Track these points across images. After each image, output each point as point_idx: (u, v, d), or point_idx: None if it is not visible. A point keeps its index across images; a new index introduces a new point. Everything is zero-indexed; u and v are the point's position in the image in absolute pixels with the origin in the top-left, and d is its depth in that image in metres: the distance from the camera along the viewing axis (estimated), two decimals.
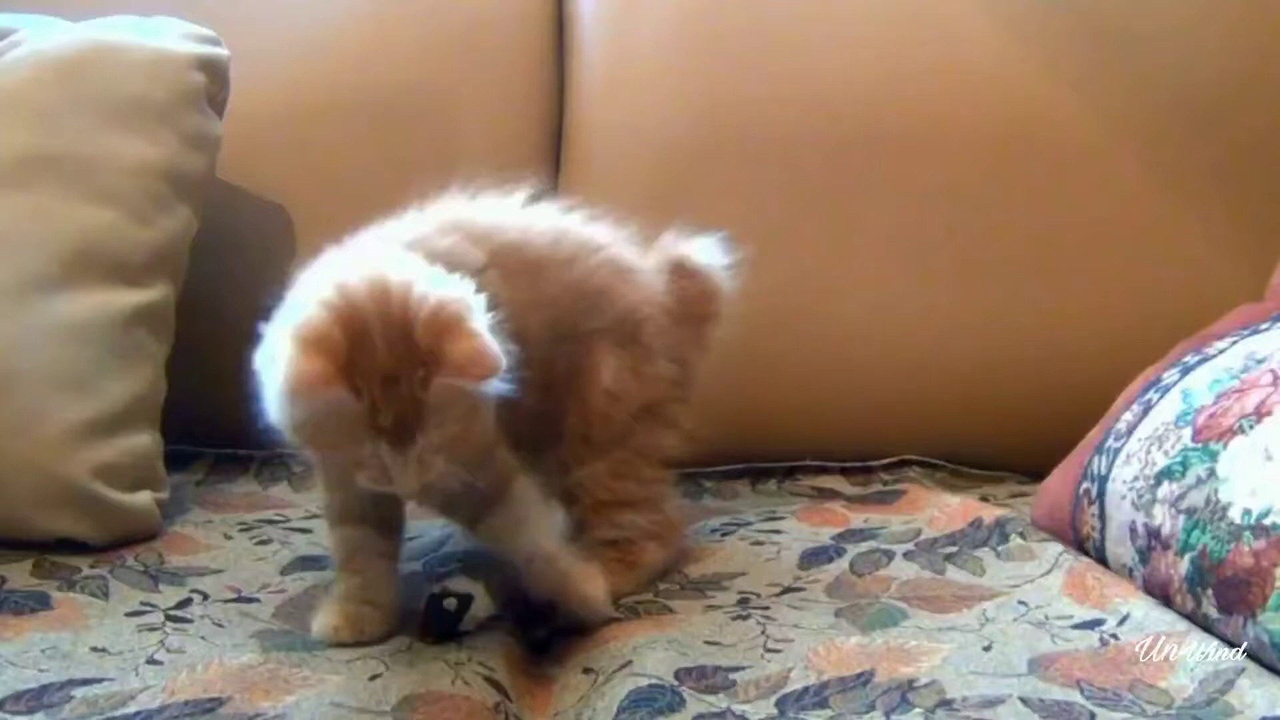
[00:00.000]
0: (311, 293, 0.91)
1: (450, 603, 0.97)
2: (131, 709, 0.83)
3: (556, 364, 1.07)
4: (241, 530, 1.23)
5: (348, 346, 0.86)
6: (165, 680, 0.87)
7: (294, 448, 0.97)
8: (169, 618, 1.01)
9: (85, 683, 0.87)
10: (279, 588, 1.08)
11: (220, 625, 0.99)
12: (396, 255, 0.95)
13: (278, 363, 0.86)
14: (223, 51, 1.38)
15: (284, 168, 1.51)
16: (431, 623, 0.96)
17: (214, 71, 1.36)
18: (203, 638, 0.96)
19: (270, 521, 1.26)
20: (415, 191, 1.50)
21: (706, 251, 1.19)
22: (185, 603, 1.04)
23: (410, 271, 0.91)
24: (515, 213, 1.13)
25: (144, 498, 1.19)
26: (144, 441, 1.22)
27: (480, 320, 0.88)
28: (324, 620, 0.96)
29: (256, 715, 0.82)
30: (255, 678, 0.87)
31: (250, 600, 1.05)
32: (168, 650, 0.93)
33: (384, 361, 0.87)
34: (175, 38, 1.35)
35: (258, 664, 0.90)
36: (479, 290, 0.92)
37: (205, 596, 1.06)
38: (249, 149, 1.47)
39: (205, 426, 1.43)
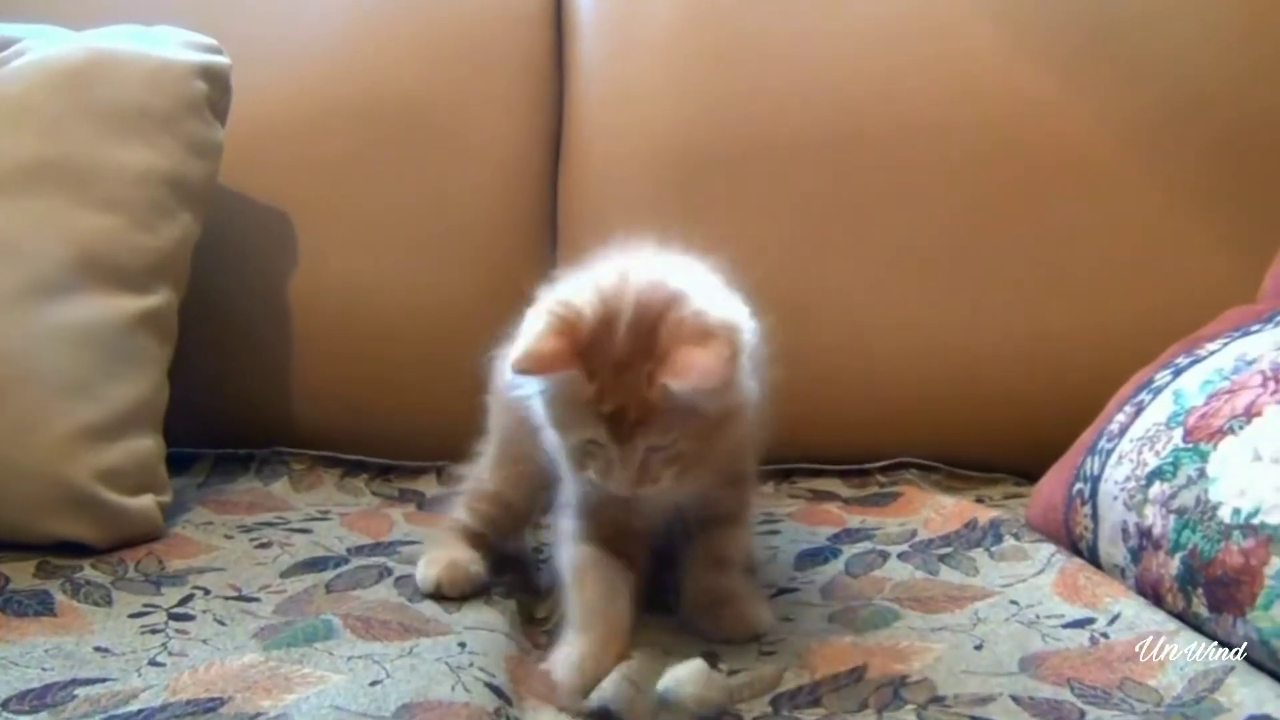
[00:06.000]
0: (593, 275, 0.94)
1: None
2: (134, 707, 0.84)
3: None
4: (242, 532, 1.24)
5: (593, 330, 0.89)
6: (167, 680, 0.88)
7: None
8: (171, 616, 1.02)
9: (88, 682, 0.88)
10: (279, 588, 1.09)
11: (222, 623, 1.00)
12: (694, 268, 0.97)
13: (520, 335, 0.90)
14: (224, 60, 1.39)
15: (285, 174, 1.52)
16: None
17: (216, 79, 1.37)
18: (204, 641, 0.97)
19: (270, 524, 1.27)
20: (410, 197, 1.53)
21: None
22: (187, 599, 1.06)
23: (695, 286, 0.93)
24: None
25: (146, 501, 1.21)
26: (146, 445, 1.24)
27: (732, 341, 0.89)
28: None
29: (257, 715, 0.82)
30: (256, 676, 0.88)
31: (251, 600, 1.06)
32: (170, 653, 0.94)
33: (620, 351, 0.88)
34: (177, 46, 1.36)
35: (259, 663, 0.91)
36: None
37: (207, 592, 1.07)
38: (251, 156, 1.48)
39: (207, 429, 1.45)
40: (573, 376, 0.88)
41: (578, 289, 0.92)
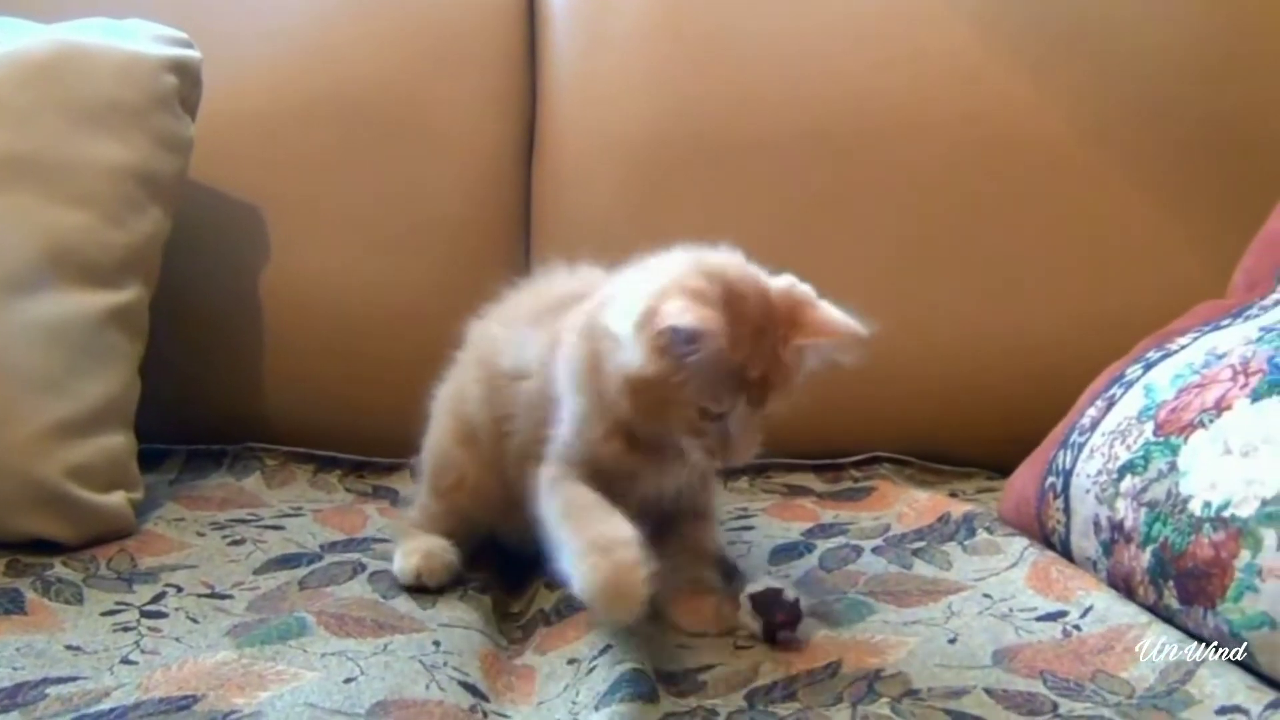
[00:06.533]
0: (663, 268, 0.96)
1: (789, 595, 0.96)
2: (106, 705, 0.83)
3: None
4: (214, 529, 1.23)
5: (724, 303, 0.91)
6: (140, 678, 0.88)
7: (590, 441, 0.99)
8: (144, 614, 1.01)
9: (60, 681, 0.88)
10: (251, 586, 1.09)
11: (195, 621, 1.00)
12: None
13: (658, 314, 0.89)
14: (194, 54, 1.38)
15: (256, 169, 1.52)
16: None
17: (186, 73, 1.36)
18: (177, 639, 0.96)
19: (242, 521, 1.26)
20: (384, 192, 1.53)
21: None
22: (160, 596, 1.05)
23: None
24: None
25: (117, 498, 1.20)
26: (117, 442, 1.23)
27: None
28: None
29: (231, 712, 0.82)
30: (229, 674, 0.88)
31: (224, 597, 1.06)
32: (142, 651, 0.94)
33: (754, 318, 0.92)
34: (147, 40, 1.36)
35: (232, 660, 0.90)
36: None
37: (179, 590, 1.07)
38: (223, 151, 1.47)
39: (178, 425, 1.44)
40: (721, 346, 0.90)
41: (666, 276, 0.94)
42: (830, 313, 0.95)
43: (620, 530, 0.91)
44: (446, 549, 1.10)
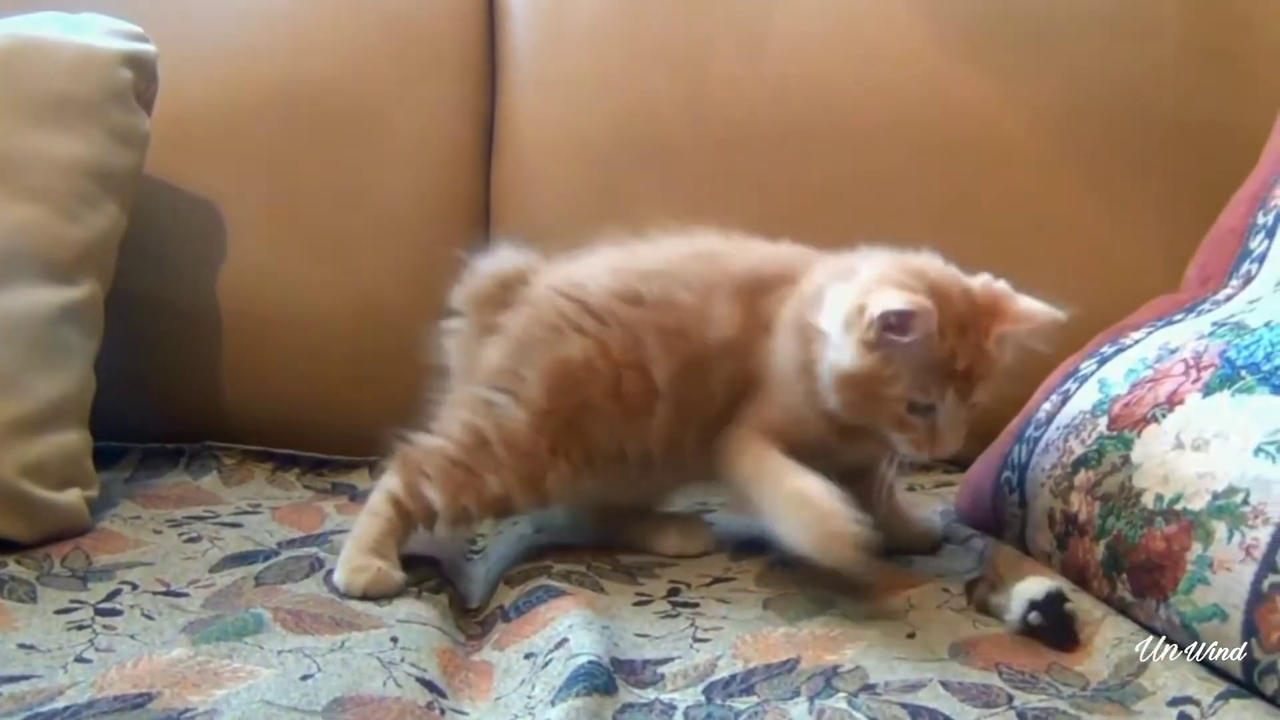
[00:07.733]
0: (864, 268, 1.02)
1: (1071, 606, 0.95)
2: (60, 704, 0.83)
3: None
4: (170, 526, 1.23)
5: (929, 294, 0.96)
6: (94, 676, 0.87)
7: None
8: (98, 612, 1.01)
9: (12, 679, 0.87)
10: (207, 583, 1.08)
11: (150, 618, 0.99)
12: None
13: (868, 307, 0.95)
14: (150, 48, 1.37)
15: (213, 165, 1.51)
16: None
17: (141, 68, 1.35)
18: (132, 636, 0.96)
19: (199, 518, 1.26)
20: (342, 188, 1.52)
21: None
22: (114, 594, 1.04)
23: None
24: None
25: (72, 495, 1.19)
26: (72, 439, 1.22)
27: None
28: None
29: (186, 710, 0.81)
30: (185, 671, 0.87)
31: (179, 594, 1.05)
32: (96, 649, 0.93)
33: (959, 310, 0.97)
34: (102, 34, 1.34)
35: (188, 658, 0.89)
36: None
37: (134, 587, 1.06)
38: (178, 146, 1.46)
39: (135, 423, 1.43)
40: (931, 337, 0.95)
41: (869, 274, 1.00)
42: (1029, 302, 1.00)
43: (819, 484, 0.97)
44: (395, 567, 1.06)
